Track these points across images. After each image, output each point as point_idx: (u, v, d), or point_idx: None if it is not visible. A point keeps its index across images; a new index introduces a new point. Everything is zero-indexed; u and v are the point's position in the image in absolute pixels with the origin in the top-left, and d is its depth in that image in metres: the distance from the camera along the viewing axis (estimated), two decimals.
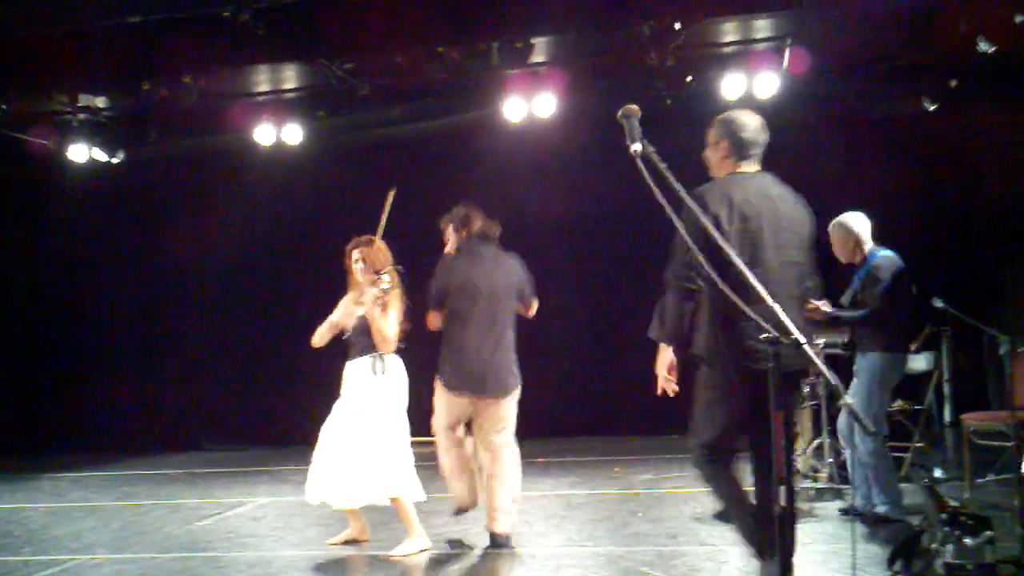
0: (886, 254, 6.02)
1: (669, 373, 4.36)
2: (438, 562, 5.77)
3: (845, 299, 6.09)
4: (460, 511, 6.13)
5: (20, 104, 9.44)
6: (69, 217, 11.42)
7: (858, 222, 6.12)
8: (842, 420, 6.19)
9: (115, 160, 10.37)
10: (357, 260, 6.06)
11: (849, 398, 3.00)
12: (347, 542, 6.18)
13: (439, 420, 5.98)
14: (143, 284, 11.60)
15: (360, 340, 5.95)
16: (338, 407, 6.00)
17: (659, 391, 4.39)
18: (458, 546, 6.07)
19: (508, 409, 5.96)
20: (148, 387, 11.39)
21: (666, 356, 4.30)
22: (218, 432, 11.24)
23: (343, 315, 6.15)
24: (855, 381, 6.04)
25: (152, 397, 11.40)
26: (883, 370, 5.93)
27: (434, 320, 5.93)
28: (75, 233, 11.56)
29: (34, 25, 7.80)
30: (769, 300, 2.99)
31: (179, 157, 10.77)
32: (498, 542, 5.88)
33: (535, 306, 6.18)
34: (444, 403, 5.93)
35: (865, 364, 5.97)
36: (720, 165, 4.36)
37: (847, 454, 6.24)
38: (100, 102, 9.66)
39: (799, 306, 4.24)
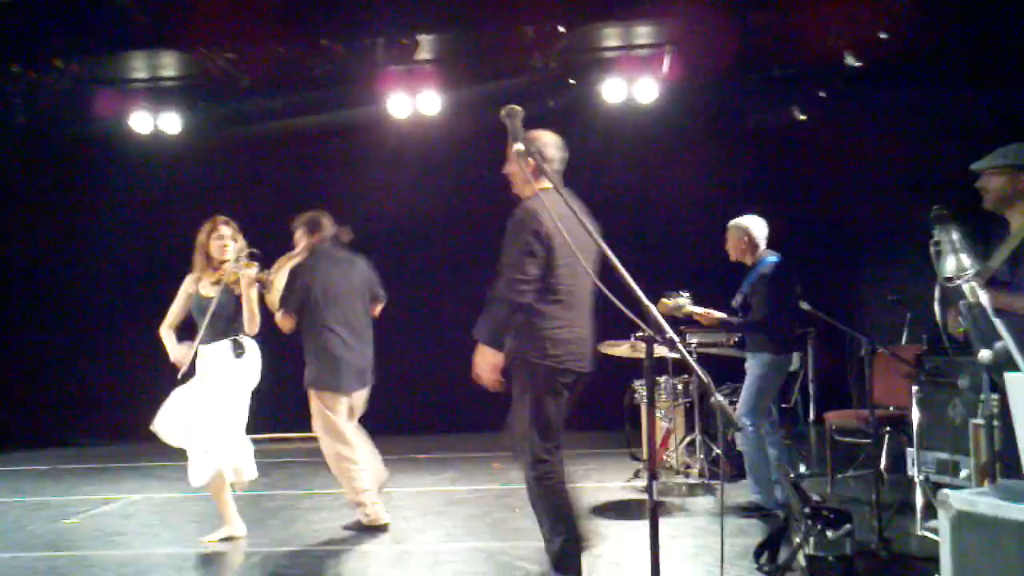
0: (774, 260, 6.26)
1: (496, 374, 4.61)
2: (315, 559, 5.74)
3: (735, 301, 6.33)
4: (371, 524, 6.22)
5: None
6: None
7: (754, 225, 6.39)
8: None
9: None
10: (225, 237, 5.95)
11: (719, 397, 3.15)
12: (223, 540, 6.09)
13: (336, 426, 6.07)
14: (7, 275, 11.15)
15: (218, 323, 5.87)
16: (195, 390, 5.90)
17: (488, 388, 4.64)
18: (335, 543, 6.06)
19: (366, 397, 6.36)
20: (10, 381, 10.95)
21: (493, 358, 4.52)
22: (84, 426, 10.87)
23: (185, 300, 6.03)
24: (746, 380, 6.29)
25: (15, 391, 10.95)
26: (770, 370, 6.22)
27: (288, 323, 6.09)
28: None
29: None
30: (644, 299, 3.09)
31: (51, 144, 10.37)
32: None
33: (381, 306, 6.54)
34: (332, 407, 6.08)
35: (754, 364, 6.24)
36: (527, 182, 4.51)
37: (771, 452, 6.41)
38: None
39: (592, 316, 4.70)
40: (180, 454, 6.00)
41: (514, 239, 4.47)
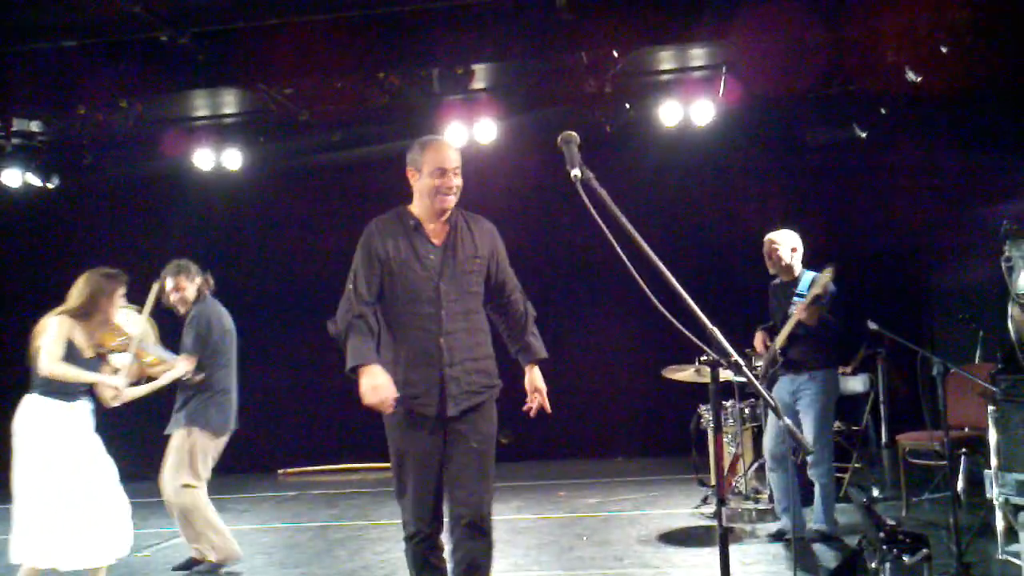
0: (817, 274, 6.10)
1: None
2: None
3: (780, 319, 6.14)
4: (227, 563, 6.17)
5: None
6: (1, 243, 11.19)
7: (798, 240, 6.23)
8: (769, 441, 6.18)
9: (50, 185, 10.19)
10: (121, 303, 5.49)
11: (788, 420, 3.05)
12: None
13: (200, 474, 6.04)
14: None
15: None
16: (78, 454, 5.20)
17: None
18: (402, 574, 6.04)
19: None
20: None
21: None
22: (155, 460, 11.02)
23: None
24: (801, 402, 6.01)
25: None
26: (834, 388, 6.03)
27: (190, 365, 5.96)
28: (7, 259, 11.33)
29: None
30: (707, 323, 3.01)
31: (116, 182, 10.62)
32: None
33: None
34: (210, 450, 6.09)
35: (814, 386, 5.96)
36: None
37: (773, 476, 6.22)
38: (34, 126, 9.51)
39: None
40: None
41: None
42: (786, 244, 6.21)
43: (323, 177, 10.63)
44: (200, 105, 9.52)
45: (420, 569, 4.07)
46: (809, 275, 6.10)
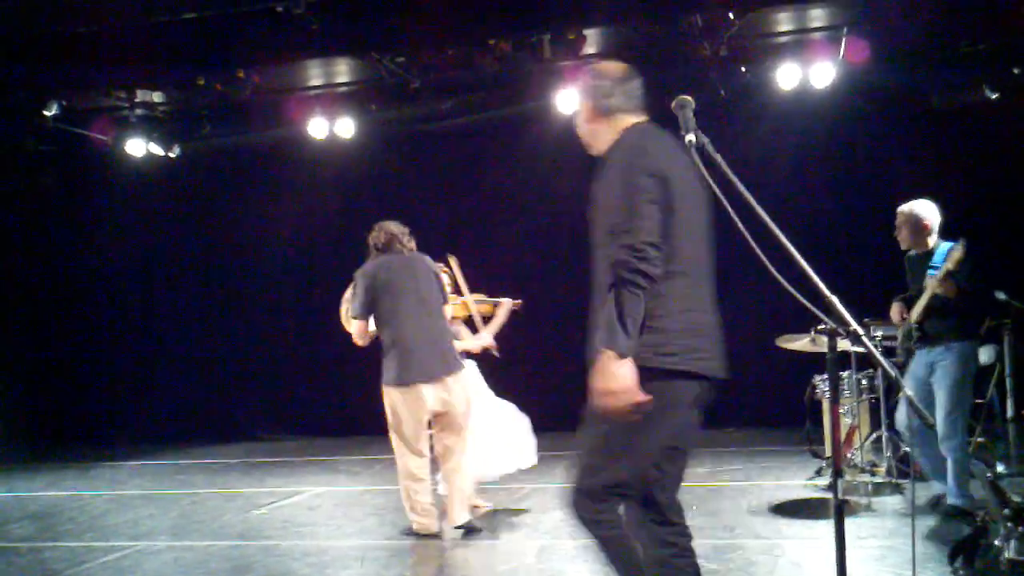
0: (953, 244, 5.89)
1: None
2: (494, 552, 5.77)
3: (916, 292, 5.92)
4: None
5: (79, 100, 9.64)
6: (126, 211, 11.62)
7: (932, 211, 5.99)
8: (902, 413, 6.04)
9: (171, 154, 10.53)
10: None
11: (909, 391, 2.92)
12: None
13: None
14: (198, 277, 11.77)
15: None
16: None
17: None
18: (488, 537, 6.08)
19: None
20: (205, 377, 11.55)
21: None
22: (273, 422, 11.38)
23: None
24: (935, 374, 5.84)
25: (208, 387, 11.54)
26: (971, 361, 5.84)
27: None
28: (132, 227, 11.75)
29: (92, 21, 7.92)
30: (826, 291, 2.89)
31: (233, 151, 10.92)
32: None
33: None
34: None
35: (951, 355, 5.78)
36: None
37: (913, 451, 6.07)
38: (156, 97, 9.80)
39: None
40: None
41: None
42: (910, 221, 6.00)
43: (434, 145, 10.69)
44: (314, 75, 9.66)
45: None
46: (945, 245, 5.87)
